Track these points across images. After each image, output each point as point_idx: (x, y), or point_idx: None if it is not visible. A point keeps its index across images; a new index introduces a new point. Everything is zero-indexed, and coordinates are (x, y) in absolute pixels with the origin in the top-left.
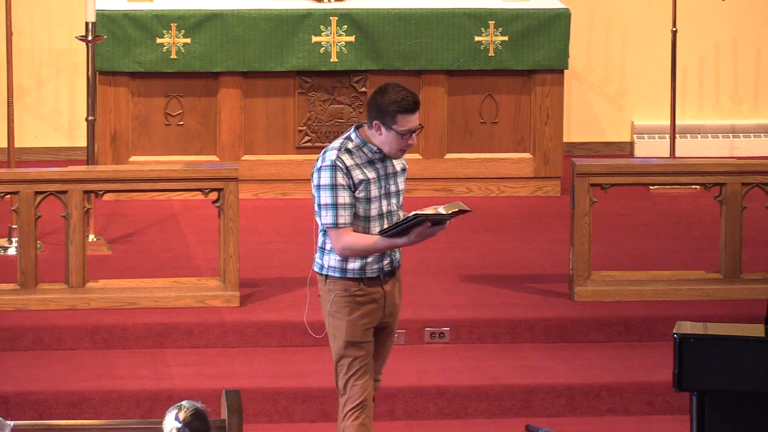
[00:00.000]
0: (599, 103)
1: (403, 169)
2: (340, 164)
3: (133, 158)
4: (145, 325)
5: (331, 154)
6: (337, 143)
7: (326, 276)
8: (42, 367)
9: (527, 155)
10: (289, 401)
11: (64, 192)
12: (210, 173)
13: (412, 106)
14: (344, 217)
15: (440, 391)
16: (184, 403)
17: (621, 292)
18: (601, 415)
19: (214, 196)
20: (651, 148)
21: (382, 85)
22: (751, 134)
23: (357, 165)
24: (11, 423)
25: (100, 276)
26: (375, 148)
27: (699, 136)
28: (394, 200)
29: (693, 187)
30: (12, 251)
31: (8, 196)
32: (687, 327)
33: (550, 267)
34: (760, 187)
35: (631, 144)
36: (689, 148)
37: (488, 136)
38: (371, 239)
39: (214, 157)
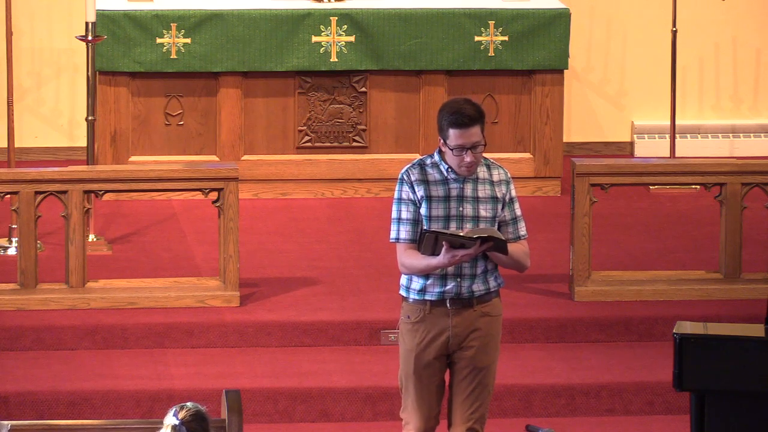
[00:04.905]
0: (599, 103)
1: (493, 198)
2: (405, 178)
3: (133, 158)
4: (145, 325)
5: (405, 167)
6: (419, 158)
7: (401, 295)
8: (42, 367)
9: (527, 155)
10: (289, 401)
11: (64, 192)
12: (210, 173)
13: (465, 121)
14: (404, 232)
15: None
16: (188, 404)
17: (621, 292)
18: (601, 415)
19: (214, 196)
20: (651, 148)
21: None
22: (751, 134)
23: (424, 181)
24: (8, 423)
25: (100, 276)
26: (447, 167)
27: (699, 136)
28: (469, 225)
29: (693, 187)
30: (12, 251)
31: (8, 196)
32: (687, 327)
33: (550, 267)
34: (760, 187)
35: (631, 144)
36: (689, 148)
37: (488, 136)
38: (417, 258)
39: (214, 157)
